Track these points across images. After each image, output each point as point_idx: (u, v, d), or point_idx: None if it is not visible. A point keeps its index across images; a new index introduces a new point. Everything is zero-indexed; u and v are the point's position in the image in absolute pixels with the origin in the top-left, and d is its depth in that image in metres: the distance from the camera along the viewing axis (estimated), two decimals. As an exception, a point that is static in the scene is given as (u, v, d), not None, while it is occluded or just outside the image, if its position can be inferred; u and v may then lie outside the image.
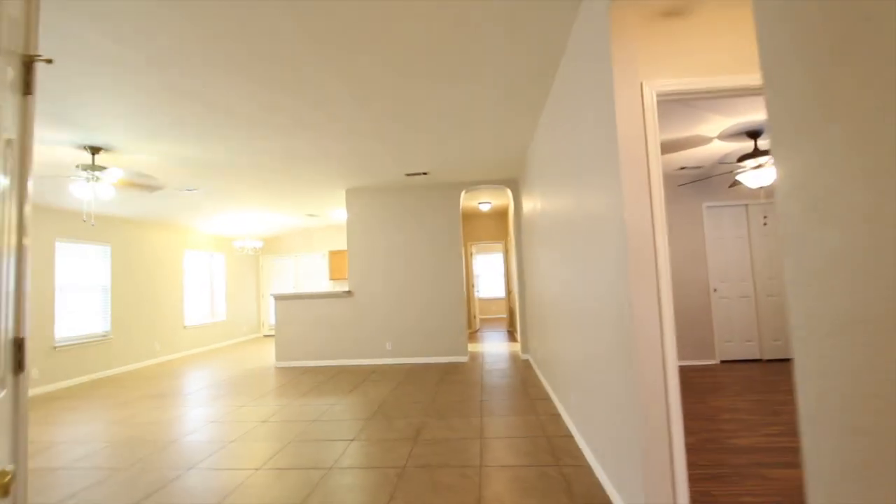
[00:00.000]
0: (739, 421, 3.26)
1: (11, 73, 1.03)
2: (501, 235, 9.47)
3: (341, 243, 10.28)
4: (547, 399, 4.03)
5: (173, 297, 7.93)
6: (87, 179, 3.79)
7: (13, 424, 1.06)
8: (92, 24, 2.20)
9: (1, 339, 1.03)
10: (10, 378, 1.05)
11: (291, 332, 6.48)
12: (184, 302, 8.20)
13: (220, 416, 4.00)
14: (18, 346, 1.08)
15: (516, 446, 2.96)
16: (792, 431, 3.00)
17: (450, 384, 4.82)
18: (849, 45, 0.67)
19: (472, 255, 9.84)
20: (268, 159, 4.62)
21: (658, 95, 1.93)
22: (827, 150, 0.73)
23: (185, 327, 8.15)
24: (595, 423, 2.51)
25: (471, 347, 7.34)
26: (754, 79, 1.95)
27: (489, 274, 12.99)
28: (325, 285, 10.25)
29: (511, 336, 8.55)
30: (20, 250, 1.09)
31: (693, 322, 5.34)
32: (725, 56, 2.00)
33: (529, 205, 5.08)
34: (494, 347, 7.28)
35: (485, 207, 8.54)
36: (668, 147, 4.30)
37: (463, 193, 6.43)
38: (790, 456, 2.64)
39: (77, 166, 3.76)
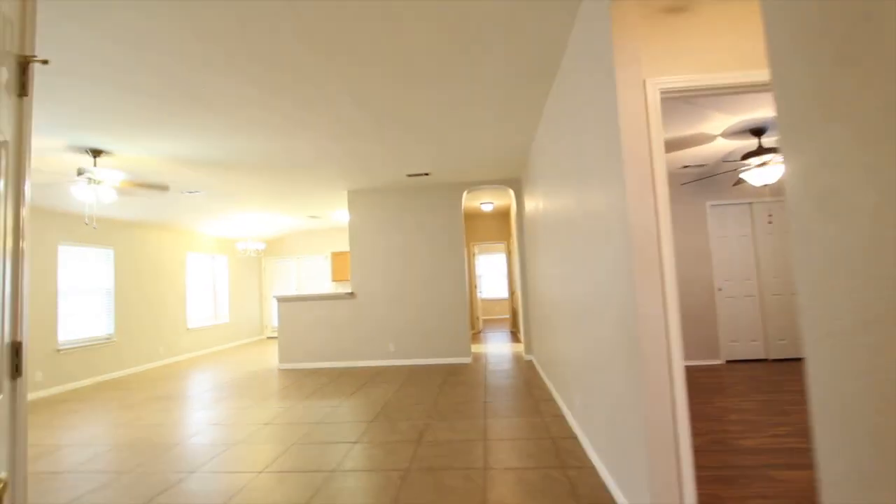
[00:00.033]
0: (746, 422, 3.22)
1: (6, 73, 1.02)
2: (504, 236, 9.44)
3: (343, 245, 10.28)
4: (551, 400, 4.00)
5: (176, 299, 7.94)
6: (89, 182, 3.79)
7: (10, 430, 1.05)
8: (91, 25, 2.19)
9: (-4, 343, 1.02)
10: (6, 383, 1.03)
11: (294, 334, 6.47)
12: (187, 304, 8.21)
13: (223, 419, 3.99)
14: (15, 350, 1.06)
15: (520, 448, 2.93)
16: (800, 432, 2.97)
17: (453, 386, 4.80)
18: (854, 41, 0.65)
19: (474, 255, 9.81)
20: (269, 161, 4.62)
21: (661, 93, 1.91)
22: (838, 146, 0.71)
23: (188, 330, 8.15)
24: (600, 424, 2.49)
25: (474, 348, 7.32)
26: (759, 75, 1.93)
27: (492, 274, 12.97)
28: (327, 287, 10.25)
29: (514, 337, 8.52)
30: (16, 254, 1.08)
31: (697, 322, 5.30)
32: (729, 52, 1.98)
33: (532, 205, 5.06)
34: (498, 348, 7.25)
35: (487, 208, 8.52)
36: (670, 145, 4.27)
37: (465, 194, 6.42)
38: (799, 457, 2.61)
39: (78, 169, 3.76)
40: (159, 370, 6.93)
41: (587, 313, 2.61)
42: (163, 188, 4.31)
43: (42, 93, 2.84)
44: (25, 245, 1.11)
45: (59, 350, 5.67)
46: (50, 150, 3.80)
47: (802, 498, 2.18)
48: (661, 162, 1.80)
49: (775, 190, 5.33)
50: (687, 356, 5.25)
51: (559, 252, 3.43)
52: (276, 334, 10.51)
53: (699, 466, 2.53)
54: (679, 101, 3.31)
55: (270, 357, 7.65)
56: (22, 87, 1.10)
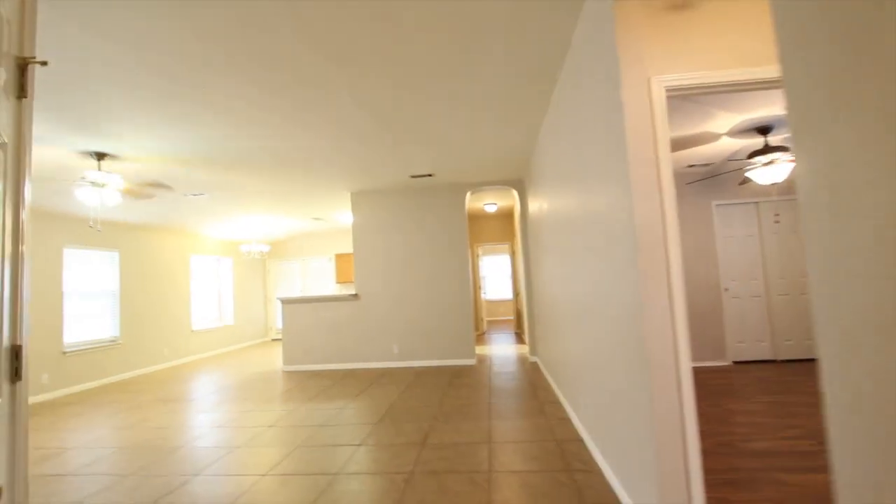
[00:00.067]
0: (754, 424, 3.18)
1: (4, 75, 1.01)
2: (508, 237, 9.41)
3: (347, 246, 10.28)
4: (556, 402, 3.97)
5: (181, 301, 7.97)
6: (93, 185, 3.80)
7: (10, 434, 1.04)
8: (92, 28, 2.19)
9: (-5, 347, 1.01)
10: (5, 387, 1.02)
11: (298, 336, 6.47)
12: (191, 306, 8.23)
13: (227, 421, 3.99)
14: (15, 353, 1.05)
15: (525, 451, 2.90)
16: (810, 435, 2.92)
17: (457, 387, 4.77)
18: (867, 34, 0.63)
19: (478, 256, 9.79)
20: (272, 163, 4.62)
21: (666, 91, 1.88)
22: (852, 142, 0.68)
23: (192, 332, 8.18)
24: (606, 426, 2.46)
25: (478, 350, 7.29)
26: (765, 72, 1.90)
27: (496, 275, 12.93)
28: (331, 288, 10.26)
29: (519, 338, 8.49)
30: (16, 257, 1.07)
31: (704, 322, 5.26)
32: (735, 50, 1.95)
33: (536, 205, 5.03)
34: (502, 350, 7.22)
35: (490, 209, 8.49)
36: (676, 144, 4.24)
37: (468, 195, 6.40)
38: (809, 460, 2.57)
39: (83, 172, 3.77)
40: (164, 372, 6.95)
41: (592, 314, 2.59)
42: (167, 187, 4.32)
43: (46, 96, 2.85)
44: (25, 248, 1.10)
45: (64, 352, 5.69)
46: (55, 153, 3.82)
47: (814, 502, 2.14)
48: (667, 161, 1.78)
49: (782, 189, 5.27)
50: (693, 357, 5.20)
51: (563, 253, 3.40)
52: (280, 336, 10.53)
53: (707, 469, 2.49)
54: (684, 100, 3.27)
55: (275, 359, 7.65)
56: (21, 89, 1.09)
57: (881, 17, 0.61)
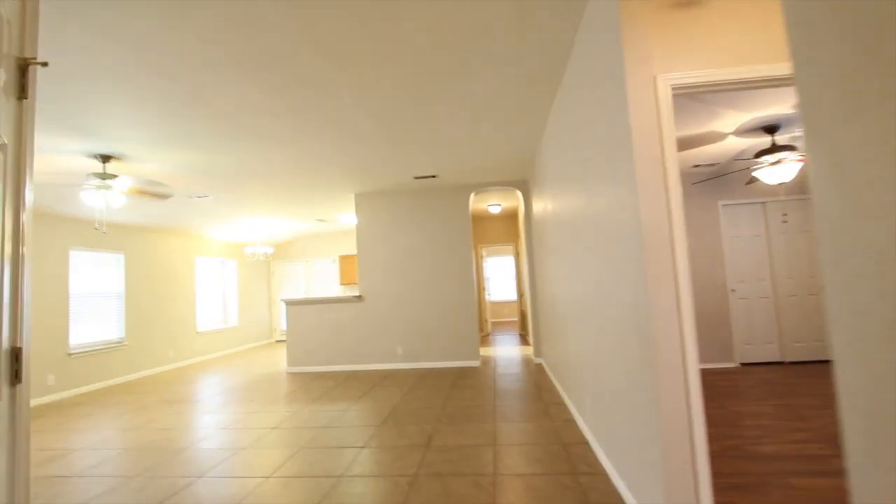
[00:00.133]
0: (763, 427, 3.14)
1: (3, 76, 1.01)
2: (512, 238, 9.39)
3: (351, 248, 10.29)
4: (561, 404, 3.94)
5: (186, 303, 8.00)
6: (98, 188, 3.82)
7: (9, 438, 1.03)
8: (95, 31, 2.20)
9: (-6, 349, 1.00)
10: (5, 389, 1.02)
11: (302, 338, 6.47)
12: (196, 308, 8.26)
13: (231, 423, 3.99)
14: (15, 356, 1.05)
15: (530, 453, 2.88)
16: (820, 438, 2.88)
17: (462, 389, 4.75)
18: (885, 25, 0.61)
19: (482, 257, 9.77)
20: (275, 165, 4.63)
21: (672, 89, 1.86)
22: (869, 138, 0.66)
23: (197, 333, 8.20)
24: (612, 429, 2.43)
25: (482, 351, 7.26)
26: (773, 69, 1.87)
27: (500, 277, 12.90)
28: (335, 290, 10.27)
29: (523, 339, 8.45)
30: (16, 259, 1.06)
31: (711, 323, 5.21)
32: (742, 47, 1.92)
33: (540, 206, 5.01)
34: (506, 351, 7.19)
35: (494, 209, 8.47)
36: (681, 144, 4.20)
37: (472, 196, 6.38)
38: (818, 464, 2.52)
39: (88, 175, 3.79)
40: (169, 374, 6.97)
41: (597, 315, 2.56)
42: (170, 195, 4.33)
43: (51, 98, 2.86)
44: (26, 250, 1.10)
45: (70, 354, 5.72)
46: (60, 155, 3.84)
47: (824, 507, 2.11)
48: (674, 160, 1.75)
49: (790, 188, 5.22)
50: (700, 359, 5.15)
51: (568, 253, 3.38)
52: (284, 338, 10.55)
53: (714, 473, 2.46)
54: (690, 99, 3.25)
55: (279, 360, 7.66)
56: (21, 90, 1.09)
57: (895, 13, 0.59)
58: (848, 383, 0.75)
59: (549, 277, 4.65)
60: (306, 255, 10.56)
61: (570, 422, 3.44)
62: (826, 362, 5.02)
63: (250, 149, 4.07)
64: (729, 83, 1.90)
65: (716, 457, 2.68)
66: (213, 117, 3.32)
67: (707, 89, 1.91)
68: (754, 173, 3.93)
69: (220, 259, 9.23)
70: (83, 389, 5.88)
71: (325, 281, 10.42)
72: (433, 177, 5.68)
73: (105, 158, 3.96)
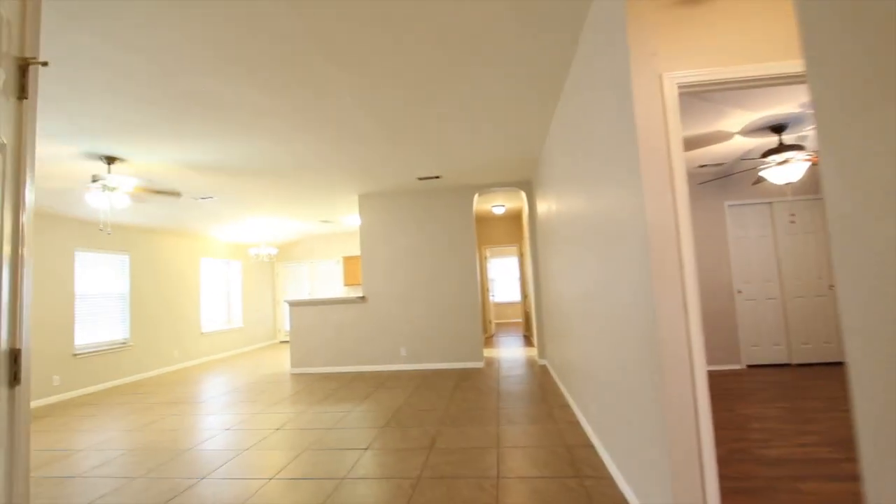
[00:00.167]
0: (770, 430, 3.10)
1: (3, 75, 1.00)
2: (516, 238, 9.36)
3: (355, 249, 10.29)
4: (565, 406, 3.91)
5: (191, 304, 8.03)
6: (103, 189, 3.83)
7: (8, 440, 1.02)
8: (98, 32, 2.20)
9: (-8, 351, 0.99)
10: (4, 391, 1.01)
11: (306, 339, 6.48)
12: (201, 309, 8.29)
13: (235, 424, 3.99)
14: (14, 357, 1.04)
15: (535, 456, 2.85)
16: (828, 442, 2.84)
17: (465, 391, 4.73)
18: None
19: (486, 258, 9.74)
20: (280, 166, 4.63)
21: (678, 88, 1.84)
22: (882, 134, 0.64)
23: (202, 334, 8.23)
24: (617, 432, 2.40)
25: (486, 353, 7.24)
26: (781, 67, 1.84)
27: (504, 278, 12.87)
28: (339, 291, 10.27)
29: (527, 341, 8.42)
30: (16, 260, 1.05)
31: (717, 325, 5.16)
32: (750, 44, 1.89)
33: (544, 206, 4.98)
34: (510, 353, 7.16)
35: (498, 210, 8.45)
36: (687, 144, 4.17)
37: (476, 196, 6.36)
38: (826, 468, 2.49)
39: (93, 176, 3.80)
40: (174, 374, 6.99)
41: (603, 317, 2.54)
42: (175, 194, 4.34)
43: (56, 100, 2.87)
44: (26, 251, 1.09)
45: (75, 354, 5.75)
46: (65, 157, 3.86)
47: (834, 512, 2.07)
48: (680, 159, 1.73)
49: (797, 188, 5.17)
50: (707, 361, 5.10)
51: (573, 254, 3.35)
52: (288, 339, 10.56)
53: (722, 477, 2.43)
54: (696, 98, 3.21)
55: (283, 361, 7.67)
56: (21, 90, 1.08)
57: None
58: (863, 388, 0.73)
59: (553, 278, 4.62)
60: (310, 256, 10.57)
61: (575, 424, 3.41)
62: (834, 364, 4.96)
63: (253, 149, 4.08)
64: (735, 81, 1.87)
65: (722, 460, 2.65)
66: (215, 118, 3.32)
67: (713, 88, 1.88)
68: (761, 173, 3.89)
69: (225, 260, 9.26)
70: (88, 390, 5.90)
71: (329, 282, 10.43)
72: (437, 177, 5.67)
73: (109, 160, 3.97)
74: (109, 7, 2.02)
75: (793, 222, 5.18)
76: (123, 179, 3.92)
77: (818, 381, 4.31)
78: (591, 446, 2.95)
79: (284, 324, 10.68)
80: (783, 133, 3.82)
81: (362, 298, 6.37)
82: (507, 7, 2.20)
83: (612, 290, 2.31)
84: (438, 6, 2.17)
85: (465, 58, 2.68)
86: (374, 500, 2.40)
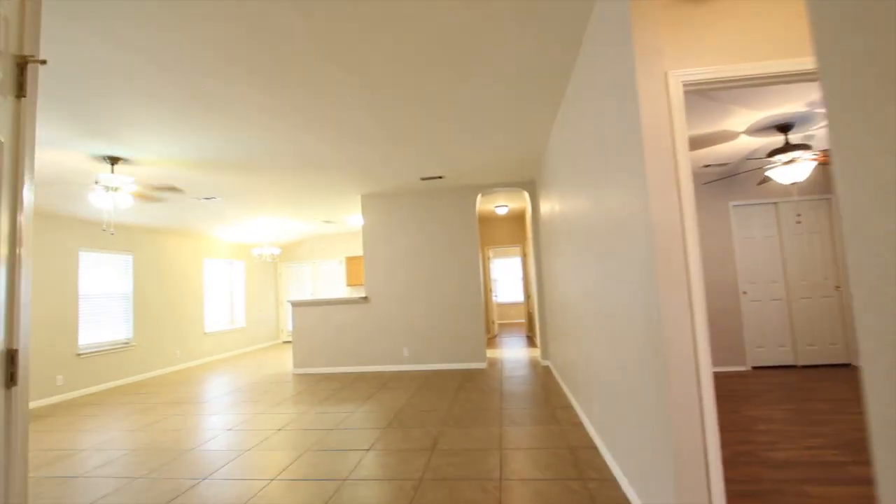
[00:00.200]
0: (776, 432, 3.07)
1: (0, 74, 0.99)
2: (519, 239, 9.33)
3: (358, 249, 10.29)
4: (569, 407, 3.88)
5: (194, 304, 8.04)
6: (107, 189, 3.84)
7: (4, 441, 1.01)
8: (101, 33, 2.19)
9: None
10: (0, 391, 1.00)
11: (309, 339, 6.47)
12: (204, 309, 8.30)
13: (237, 424, 3.98)
14: (11, 358, 1.03)
15: (537, 458, 2.83)
16: (835, 444, 2.80)
17: (468, 391, 4.71)
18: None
19: (489, 259, 9.72)
20: (283, 166, 4.62)
21: (684, 86, 1.81)
22: (899, 130, 0.62)
23: (205, 334, 8.24)
24: (621, 434, 2.38)
25: (489, 353, 7.22)
26: (790, 64, 1.82)
27: (507, 278, 12.84)
28: (342, 291, 10.27)
29: (530, 341, 8.39)
30: (13, 260, 1.04)
31: (722, 326, 5.12)
32: (756, 42, 1.87)
33: (547, 206, 4.96)
34: (513, 353, 7.14)
35: (501, 211, 8.43)
36: (692, 143, 4.13)
37: (479, 197, 6.34)
38: (834, 472, 2.45)
39: (96, 176, 3.81)
40: (177, 374, 7.00)
41: (607, 317, 2.51)
42: (177, 190, 4.34)
43: (61, 101, 2.87)
44: (23, 251, 1.08)
45: (79, 354, 5.77)
46: (69, 157, 3.86)
47: (842, 516, 2.04)
48: (685, 158, 1.70)
49: (803, 188, 5.12)
50: (711, 362, 5.06)
51: (577, 254, 3.33)
52: (291, 339, 10.57)
53: (727, 480, 2.40)
54: (701, 97, 3.19)
55: (286, 361, 7.67)
56: (20, 88, 1.07)
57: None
58: (877, 391, 0.71)
59: (556, 279, 4.60)
60: (313, 257, 10.58)
61: (578, 425, 3.38)
62: (840, 366, 4.91)
63: (255, 149, 4.07)
64: (742, 79, 1.84)
65: (728, 463, 2.62)
66: (217, 118, 3.32)
67: (719, 86, 1.86)
68: (767, 173, 3.86)
69: (228, 260, 9.28)
70: (91, 390, 5.92)
71: (331, 282, 10.43)
72: (440, 178, 5.65)
73: (113, 160, 3.98)
74: (110, 7, 2.02)
75: (799, 222, 5.13)
76: (127, 179, 3.93)
77: (824, 383, 4.27)
78: (594, 448, 2.93)
79: (287, 324, 10.69)
80: (789, 132, 3.79)
81: (365, 299, 6.36)
82: (510, 7, 2.19)
83: (615, 290, 2.28)
84: (440, 6, 2.15)
85: (467, 58, 2.66)
86: (376, 502, 2.39)
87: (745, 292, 5.15)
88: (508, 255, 12.66)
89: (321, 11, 2.15)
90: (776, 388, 4.21)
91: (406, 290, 6.31)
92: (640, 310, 1.91)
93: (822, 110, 3.46)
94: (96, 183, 3.83)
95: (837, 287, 5.01)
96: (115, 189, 3.87)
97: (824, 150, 3.68)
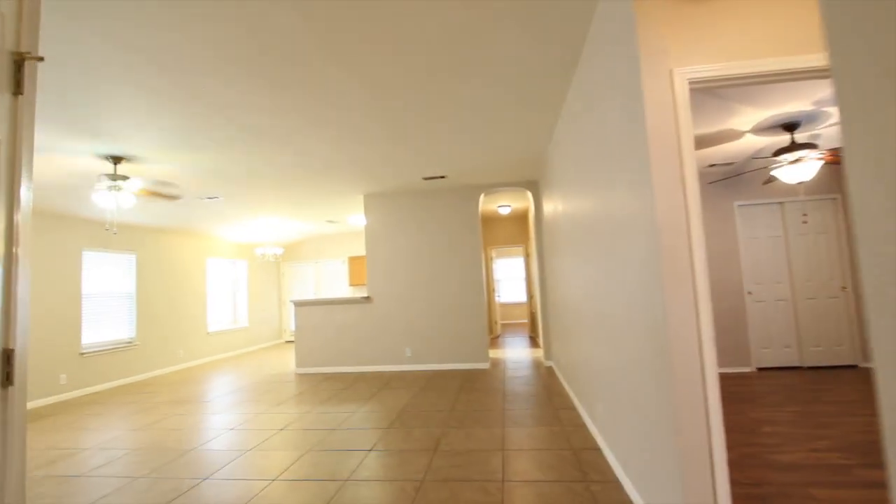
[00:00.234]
0: (782, 434, 3.03)
1: (-5, 69, 0.98)
2: (522, 239, 9.30)
3: (361, 249, 10.28)
4: (572, 408, 3.86)
5: (197, 303, 8.05)
6: (110, 189, 3.84)
7: (1, 442, 1.00)
8: (101, 32, 2.19)
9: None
10: (-4, 393, 0.99)
11: (311, 339, 6.47)
12: (207, 309, 8.31)
13: (239, 424, 3.98)
14: (7, 357, 1.02)
15: (540, 459, 2.81)
16: (842, 447, 2.77)
17: (470, 392, 4.69)
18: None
19: (492, 259, 9.69)
20: (284, 165, 4.62)
21: (689, 83, 1.79)
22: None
23: (208, 334, 8.25)
24: (625, 435, 2.35)
25: (492, 353, 7.19)
26: (800, 61, 1.79)
27: (510, 278, 12.81)
28: (345, 291, 10.27)
29: (533, 342, 8.36)
30: (9, 259, 1.03)
31: (727, 327, 5.08)
32: (764, 38, 1.84)
33: (550, 206, 4.94)
34: (516, 353, 7.11)
35: (504, 211, 8.40)
36: (697, 143, 4.10)
37: (482, 196, 6.32)
38: (840, 475, 2.42)
39: (100, 176, 3.81)
40: (179, 374, 7.01)
41: (611, 318, 2.49)
42: (179, 196, 4.34)
43: (64, 101, 2.87)
44: (20, 251, 1.07)
45: (82, 353, 5.78)
46: (72, 157, 3.86)
47: (849, 520, 2.01)
48: (691, 157, 1.68)
49: (809, 188, 5.08)
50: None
51: (580, 255, 3.30)
52: (293, 338, 10.58)
53: (733, 482, 2.37)
54: (706, 96, 3.16)
55: (288, 361, 7.67)
56: (17, 85, 1.06)
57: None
58: (891, 394, 0.69)
59: (559, 279, 4.57)
60: (316, 256, 10.58)
61: (581, 426, 3.36)
62: (846, 367, 4.87)
63: (257, 149, 4.07)
64: (749, 76, 1.82)
65: (733, 465, 2.59)
66: (220, 117, 3.31)
67: (725, 83, 1.83)
68: (773, 172, 3.82)
69: (231, 260, 9.29)
70: (95, 389, 5.93)
71: (334, 282, 10.43)
72: (442, 177, 5.63)
73: (116, 160, 3.98)
74: (110, 7, 2.01)
75: (805, 222, 5.09)
76: (130, 179, 3.93)
77: (829, 385, 4.23)
78: (597, 449, 2.90)
79: (290, 324, 10.70)
80: (795, 131, 3.75)
81: (367, 298, 6.35)
82: (513, 6, 2.17)
83: (619, 290, 2.26)
84: (442, 6, 2.13)
85: (468, 57, 2.65)
86: (377, 503, 2.37)
87: (749, 293, 5.11)
88: (511, 255, 12.63)
89: (321, 10, 2.13)
90: (781, 389, 4.18)
91: (408, 289, 6.30)
92: (645, 310, 1.89)
93: (829, 109, 3.41)
94: (99, 182, 3.83)
95: (844, 288, 4.96)
96: (118, 188, 3.88)
97: (831, 150, 3.64)
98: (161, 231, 7.37)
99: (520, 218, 9.32)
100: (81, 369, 5.76)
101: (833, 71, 0.77)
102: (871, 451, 2.68)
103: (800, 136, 3.92)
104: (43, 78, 2.59)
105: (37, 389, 5.22)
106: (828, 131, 3.88)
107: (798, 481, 2.38)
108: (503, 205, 7.96)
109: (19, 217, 1.06)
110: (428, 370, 6.06)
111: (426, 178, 5.66)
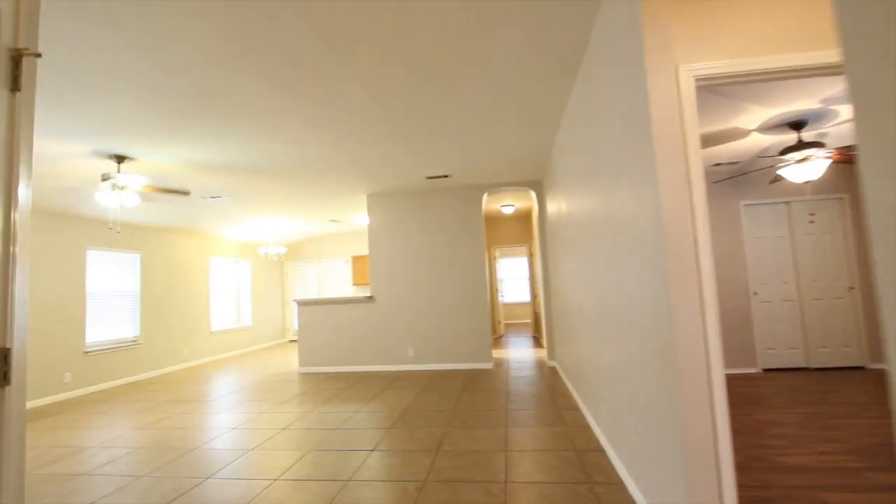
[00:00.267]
0: (789, 436, 3.00)
1: (-8, 66, 0.97)
2: (525, 238, 9.27)
3: (364, 248, 10.28)
4: (575, 409, 3.83)
5: (200, 303, 8.07)
6: (113, 188, 3.84)
7: (-2, 442, 0.99)
8: (104, 31, 2.18)
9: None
10: (-7, 392, 0.98)
11: (314, 338, 6.47)
12: (210, 308, 8.33)
13: (242, 423, 3.98)
14: (4, 356, 1.01)
15: (543, 460, 2.79)
16: (850, 450, 2.73)
17: (473, 392, 4.68)
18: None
19: (495, 258, 9.67)
20: (289, 165, 4.61)
21: (695, 80, 1.76)
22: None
23: (211, 333, 8.27)
24: (629, 437, 2.33)
25: (495, 353, 7.17)
26: (804, 58, 1.76)
27: (513, 278, 12.78)
28: (348, 290, 10.27)
29: (537, 342, 8.33)
30: (7, 259, 1.02)
31: (732, 327, 5.04)
32: (770, 35, 1.81)
33: (554, 206, 4.91)
34: (519, 354, 7.09)
35: (508, 210, 8.37)
36: (703, 141, 4.06)
37: (485, 196, 6.30)
38: (850, 478, 2.39)
39: (103, 175, 3.82)
40: (183, 373, 7.03)
41: (615, 318, 2.46)
42: (185, 193, 4.34)
43: (66, 100, 2.87)
44: (19, 250, 1.06)
45: (86, 352, 5.80)
46: (75, 156, 3.87)
47: (858, 524, 1.98)
48: (697, 156, 1.65)
49: (816, 187, 5.02)
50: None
51: (584, 254, 3.28)
52: (297, 338, 10.59)
53: (738, 485, 2.34)
54: (712, 94, 3.12)
55: (291, 360, 7.68)
56: (14, 82, 1.05)
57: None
58: (907, 401, 0.66)
59: (563, 279, 4.54)
60: (319, 256, 10.59)
61: (585, 427, 3.34)
62: (853, 369, 4.81)
63: (260, 148, 4.06)
64: (756, 73, 1.79)
65: (739, 467, 2.56)
66: (223, 116, 3.31)
67: (732, 80, 1.80)
68: (779, 171, 3.78)
69: (234, 259, 9.31)
70: (99, 387, 5.96)
71: (337, 281, 10.44)
72: (446, 177, 5.62)
73: (119, 158, 3.99)
74: (111, 7, 2.00)
75: (812, 222, 5.03)
76: (133, 178, 3.93)
77: (836, 386, 4.18)
78: (601, 450, 2.88)
79: (293, 323, 10.72)
80: (802, 130, 3.71)
81: (370, 298, 6.34)
82: (514, 6, 2.14)
83: (624, 290, 2.24)
84: (445, 6, 2.12)
85: (471, 57, 2.62)
86: (379, 504, 2.36)
87: (756, 293, 5.06)
88: (515, 254, 12.60)
89: (322, 10, 2.12)
90: (788, 391, 4.13)
91: (411, 289, 6.28)
92: (650, 310, 1.86)
93: (837, 107, 3.37)
94: (102, 181, 3.83)
95: (851, 288, 4.91)
96: (122, 188, 3.88)
97: (838, 148, 3.60)
98: (165, 230, 7.40)
99: (523, 217, 9.29)
100: (85, 368, 5.79)
101: (847, 67, 0.75)
102: (881, 454, 2.64)
103: (807, 135, 3.88)
104: (42, 77, 2.59)
105: (41, 387, 5.24)
106: (835, 130, 3.84)
107: (807, 484, 2.34)
108: (506, 204, 7.93)
109: (17, 216, 1.05)
110: (431, 370, 6.04)
111: (429, 178, 5.64)
